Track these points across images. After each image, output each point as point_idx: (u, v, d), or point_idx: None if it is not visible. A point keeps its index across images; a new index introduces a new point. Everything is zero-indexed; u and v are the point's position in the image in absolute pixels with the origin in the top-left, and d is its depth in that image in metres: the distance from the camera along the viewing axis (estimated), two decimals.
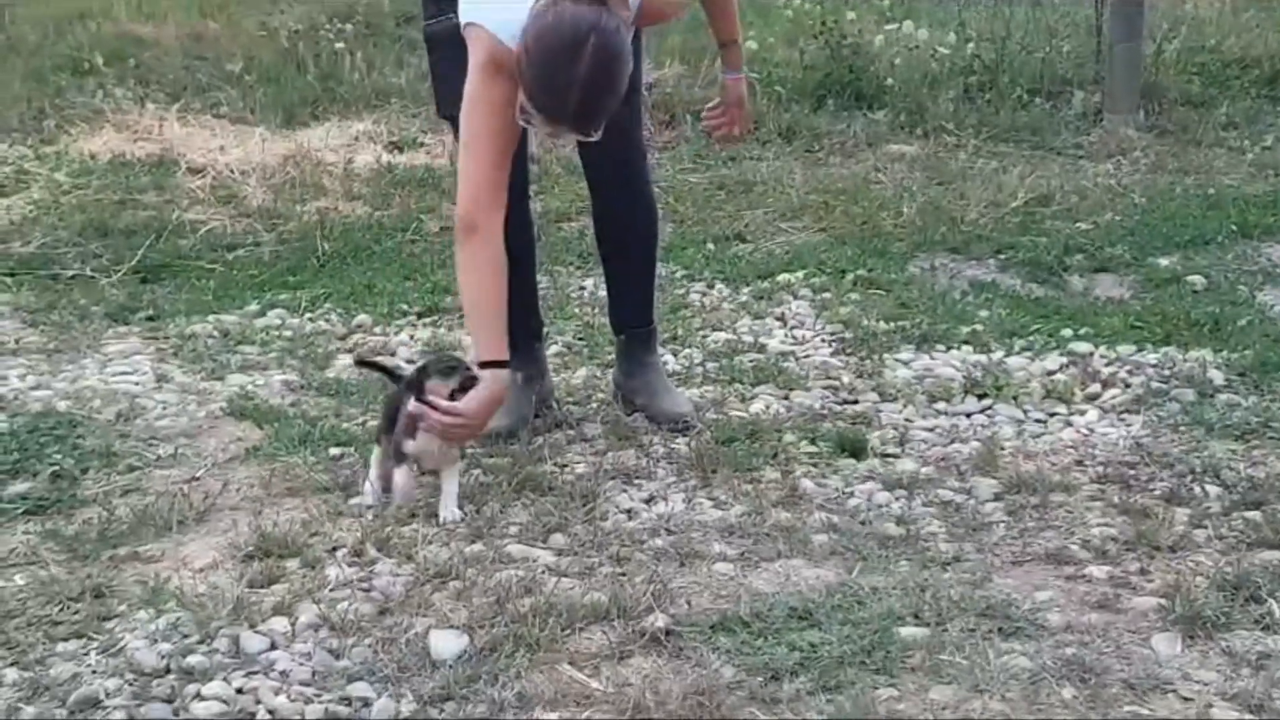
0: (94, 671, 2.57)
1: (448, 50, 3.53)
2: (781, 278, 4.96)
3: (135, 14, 8.97)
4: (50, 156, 6.53)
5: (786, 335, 4.45)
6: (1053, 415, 3.80)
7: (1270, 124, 7.16)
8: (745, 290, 4.88)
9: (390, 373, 3.53)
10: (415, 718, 2.45)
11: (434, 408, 3.17)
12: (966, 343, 4.30)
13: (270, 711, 2.47)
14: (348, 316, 4.67)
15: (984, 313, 4.58)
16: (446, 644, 2.63)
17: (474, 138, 3.25)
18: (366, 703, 2.48)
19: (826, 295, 4.78)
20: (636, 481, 3.38)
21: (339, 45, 8.12)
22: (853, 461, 3.49)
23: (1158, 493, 3.29)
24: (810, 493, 3.31)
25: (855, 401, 3.90)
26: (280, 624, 2.72)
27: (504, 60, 3.16)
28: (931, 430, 3.71)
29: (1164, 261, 5.09)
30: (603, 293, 3.93)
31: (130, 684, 2.54)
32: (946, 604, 2.73)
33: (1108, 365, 4.09)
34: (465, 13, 3.27)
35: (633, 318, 3.84)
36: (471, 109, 3.24)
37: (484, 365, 3.23)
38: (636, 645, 2.63)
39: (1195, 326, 4.37)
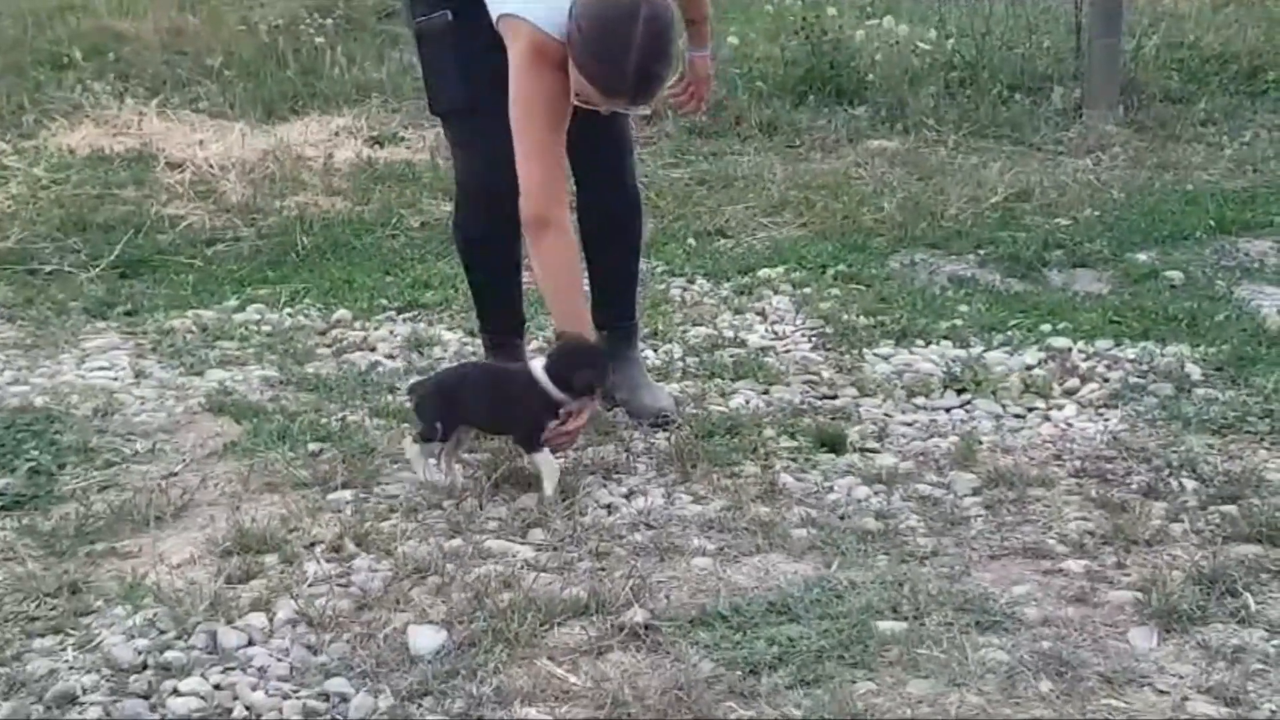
0: (71, 667, 2.57)
1: (440, 46, 3.53)
2: (762, 273, 4.96)
3: (115, 9, 8.92)
4: (29, 151, 6.49)
5: (767, 330, 4.45)
6: (1031, 410, 3.81)
7: (1249, 120, 7.19)
8: (726, 285, 4.88)
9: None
10: (393, 713, 2.44)
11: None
12: (946, 338, 4.32)
13: (248, 707, 2.46)
14: (327, 311, 4.66)
15: (963, 308, 4.59)
16: (425, 639, 2.63)
17: (526, 133, 3.28)
18: (344, 698, 2.48)
19: (807, 290, 4.78)
20: (616, 476, 3.38)
21: (319, 40, 8.09)
22: (832, 456, 3.50)
23: (1135, 487, 3.31)
24: (789, 488, 3.31)
25: (835, 396, 3.90)
26: (258, 619, 2.72)
27: (547, 49, 3.19)
28: (910, 425, 3.72)
29: (1142, 257, 5.11)
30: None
31: (107, 680, 2.54)
32: (924, 598, 2.74)
33: (1086, 360, 4.11)
34: (500, 5, 3.27)
35: (615, 313, 3.85)
36: (521, 105, 3.26)
37: None
38: (615, 640, 2.63)
39: (1173, 321, 4.39)
